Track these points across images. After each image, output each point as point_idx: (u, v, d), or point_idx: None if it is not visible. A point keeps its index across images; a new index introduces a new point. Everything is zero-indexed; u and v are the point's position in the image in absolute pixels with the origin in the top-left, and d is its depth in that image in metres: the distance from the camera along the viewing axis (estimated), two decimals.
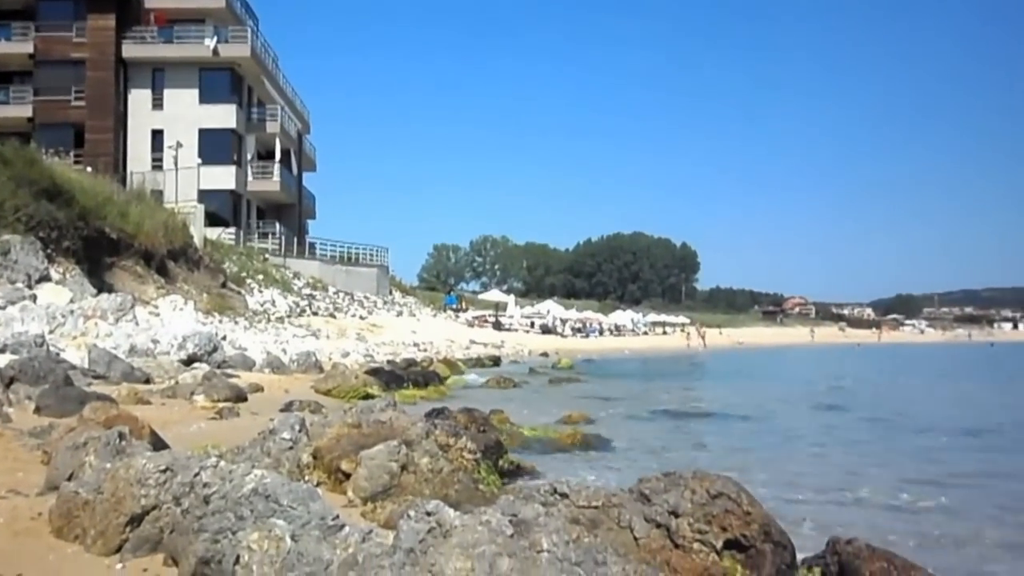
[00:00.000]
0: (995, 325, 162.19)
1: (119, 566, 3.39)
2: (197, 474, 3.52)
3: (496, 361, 28.10)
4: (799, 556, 3.78)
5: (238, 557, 2.81)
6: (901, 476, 8.23)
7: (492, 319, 54.76)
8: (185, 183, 34.43)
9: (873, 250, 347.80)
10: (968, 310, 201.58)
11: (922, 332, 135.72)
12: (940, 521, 6.39)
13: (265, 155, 43.94)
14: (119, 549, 3.48)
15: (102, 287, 18.25)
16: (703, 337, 60.43)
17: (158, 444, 5.04)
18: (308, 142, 52.15)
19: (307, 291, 37.04)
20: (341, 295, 39.81)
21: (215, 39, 39.71)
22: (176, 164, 35.54)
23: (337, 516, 3.12)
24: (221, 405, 9.24)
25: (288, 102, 47.57)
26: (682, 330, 66.17)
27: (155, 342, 14.19)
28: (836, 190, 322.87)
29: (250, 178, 42.37)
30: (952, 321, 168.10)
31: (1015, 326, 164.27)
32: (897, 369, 36.30)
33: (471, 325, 49.62)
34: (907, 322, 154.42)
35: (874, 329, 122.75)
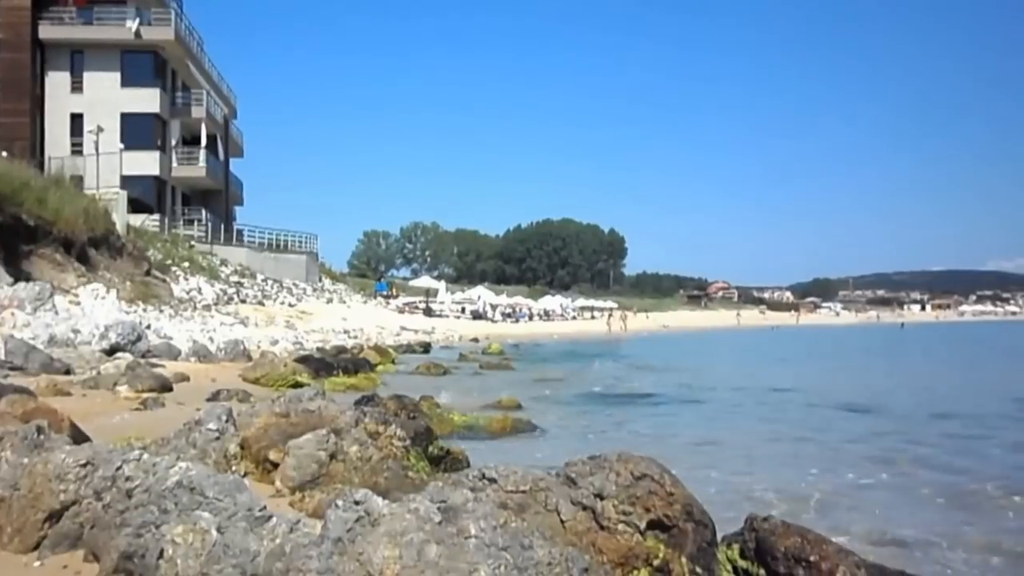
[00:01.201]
0: (904, 307, 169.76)
1: (37, 564, 3.31)
2: (119, 467, 3.45)
3: (426, 347, 28.04)
4: (720, 534, 3.91)
5: (162, 551, 2.78)
6: (821, 453, 8.55)
7: (422, 305, 54.55)
8: (107, 169, 33.25)
9: (792, 235, 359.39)
10: (880, 293, 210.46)
11: (837, 314, 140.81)
12: (852, 494, 6.68)
13: (190, 140, 42.76)
14: (37, 546, 3.39)
15: (19, 276, 17.56)
16: (624, 321, 61.20)
17: (79, 437, 4.91)
18: (235, 127, 50.92)
19: (235, 278, 36.28)
20: (270, 282, 39.13)
21: (137, 21, 38.37)
22: (97, 149, 34.30)
23: (264, 507, 3.11)
24: (145, 396, 9.03)
25: (214, 86, 46.32)
26: (609, 315, 66.94)
27: (76, 332, 13.75)
28: (757, 178, 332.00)
29: (175, 164, 41.19)
30: (865, 303, 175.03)
31: (923, 307, 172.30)
32: (809, 351, 37.54)
33: (401, 311, 49.36)
34: (824, 305, 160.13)
35: (793, 312, 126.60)
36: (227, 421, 5.17)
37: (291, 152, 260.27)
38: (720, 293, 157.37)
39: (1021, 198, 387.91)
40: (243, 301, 31.94)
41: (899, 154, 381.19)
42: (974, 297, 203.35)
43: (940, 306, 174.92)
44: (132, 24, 38.21)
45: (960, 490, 7.05)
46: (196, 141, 42.53)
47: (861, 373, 22.95)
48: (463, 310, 57.87)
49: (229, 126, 48.65)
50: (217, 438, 5.03)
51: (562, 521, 3.52)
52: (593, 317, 74.29)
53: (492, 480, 3.69)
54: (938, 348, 40.38)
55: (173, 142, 41.23)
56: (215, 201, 45.39)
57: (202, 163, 42.05)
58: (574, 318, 71.99)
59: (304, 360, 14.74)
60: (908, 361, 29.55)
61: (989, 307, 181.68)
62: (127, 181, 33.54)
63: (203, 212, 42.43)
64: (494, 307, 61.55)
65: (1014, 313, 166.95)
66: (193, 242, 37.93)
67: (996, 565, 4.96)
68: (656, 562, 3.47)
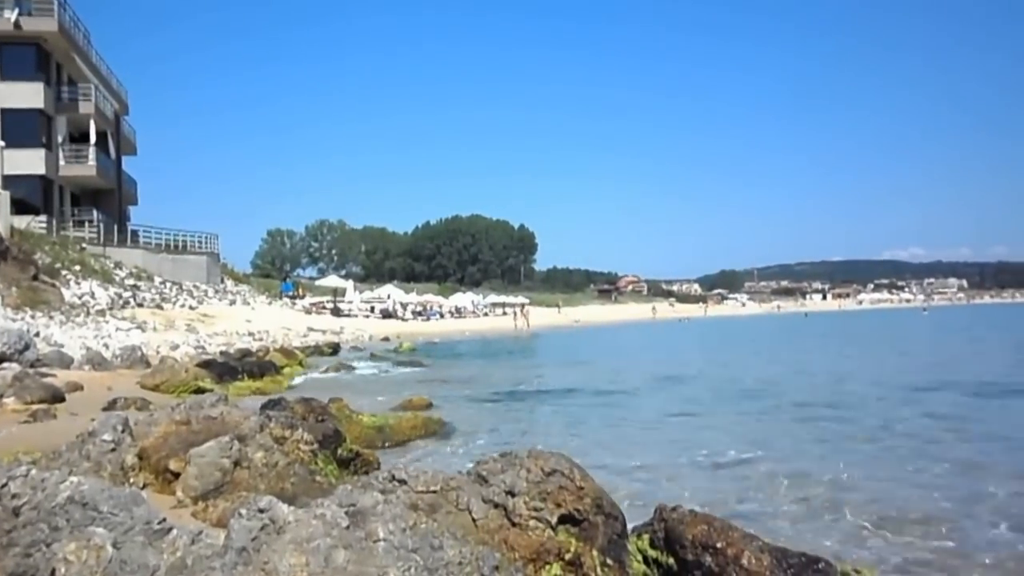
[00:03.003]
0: (807, 296, 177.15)
1: None
2: (4, 485, 3.26)
3: (335, 348, 27.61)
4: (631, 525, 3.97)
5: (54, 571, 2.64)
6: (731, 444, 8.79)
7: (330, 305, 53.67)
8: None
9: (699, 229, 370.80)
10: (784, 283, 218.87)
11: (743, 305, 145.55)
12: (751, 480, 6.89)
13: (79, 137, 40.79)
14: None
15: None
16: (526, 317, 61.36)
17: None
18: (127, 124, 48.87)
19: (130, 281, 34.89)
20: (168, 285, 37.80)
21: (16, 11, 36.34)
22: None
23: (164, 519, 2.99)
24: (35, 407, 8.61)
25: (103, 81, 44.28)
26: (521, 310, 67.24)
27: None
28: (663, 171, 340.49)
29: (62, 162, 39.25)
30: (770, 294, 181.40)
31: (824, 297, 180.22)
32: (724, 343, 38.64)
33: (309, 312, 48.41)
34: (730, 296, 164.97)
35: (701, 304, 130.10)
36: (123, 431, 4.97)
37: (189, 149, 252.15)
38: (630, 287, 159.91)
39: (914, 190, 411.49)
40: (140, 305, 30.74)
41: (799, 149, 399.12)
42: (871, 286, 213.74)
43: (840, 295, 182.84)
44: (11, 14, 36.18)
45: (850, 457, 7.40)
46: (85, 138, 40.61)
47: (769, 361, 23.73)
48: (372, 309, 57.17)
49: (120, 122, 46.67)
50: (113, 449, 4.82)
51: (474, 520, 3.51)
52: (505, 313, 74.45)
53: (402, 481, 3.64)
54: (836, 336, 42.08)
55: (60, 139, 39.26)
56: (107, 201, 43.49)
57: (92, 161, 40.19)
58: (486, 314, 72.02)
59: (207, 365, 14.32)
60: (811, 348, 30.70)
61: (885, 295, 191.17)
62: (9, 181, 31.74)
63: (94, 213, 40.57)
64: (404, 305, 61.02)
65: (908, 300, 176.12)
66: (84, 244, 36.27)
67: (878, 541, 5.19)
68: (568, 556, 3.49)
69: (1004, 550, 4.98)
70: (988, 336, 36.41)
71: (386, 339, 35.50)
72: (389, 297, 62.07)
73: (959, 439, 9.02)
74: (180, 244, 43.56)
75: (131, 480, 4.65)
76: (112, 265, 35.82)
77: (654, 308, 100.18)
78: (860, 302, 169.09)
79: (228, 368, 14.40)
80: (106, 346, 17.27)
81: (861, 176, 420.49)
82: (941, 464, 7.53)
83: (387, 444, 8.34)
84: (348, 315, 50.76)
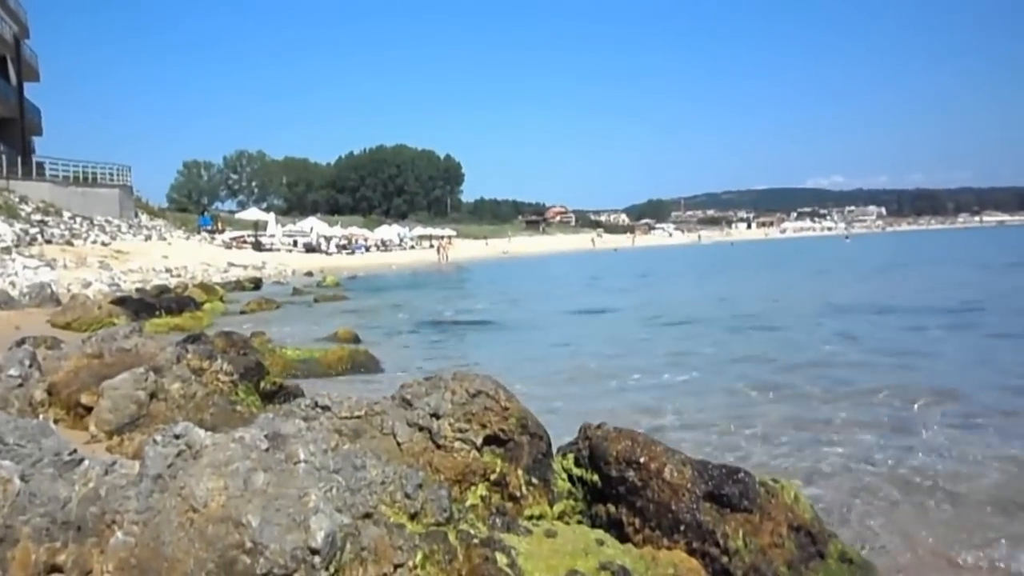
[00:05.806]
0: (732, 225, 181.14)
1: None
2: None
3: (257, 283, 27.08)
4: (557, 444, 4.01)
5: None
6: (643, 363, 9.00)
7: (251, 239, 52.44)
8: None
9: (626, 158, 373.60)
10: (710, 212, 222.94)
11: (670, 235, 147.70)
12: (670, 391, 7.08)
13: None
14: None
15: None
16: (444, 251, 60.78)
17: None
18: (28, 48, 46.03)
19: (37, 217, 33.39)
20: (78, 220, 36.32)
21: None
22: None
23: (75, 451, 2.88)
24: None
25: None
26: (445, 242, 66.77)
27: None
28: (590, 100, 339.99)
29: None
30: (696, 223, 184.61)
31: (749, 226, 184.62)
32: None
33: (229, 247, 47.23)
34: (658, 226, 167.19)
35: (629, 234, 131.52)
36: (31, 365, 4.78)
37: (97, 76, 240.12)
38: (558, 217, 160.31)
39: (835, 119, 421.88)
40: (48, 241, 29.49)
41: (726, 78, 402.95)
42: (795, 214, 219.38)
43: (765, 224, 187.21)
44: None
45: (767, 383, 7.67)
46: None
47: (692, 291, 24.25)
48: (295, 243, 56.09)
49: (21, 46, 43.94)
50: (20, 384, 4.64)
51: (398, 444, 3.49)
52: (431, 246, 73.99)
53: (325, 408, 3.59)
54: (762, 264, 43.13)
55: None
56: (9, 131, 41.22)
57: None
58: (412, 247, 71.44)
59: (121, 301, 13.87)
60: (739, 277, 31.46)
61: (808, 223, 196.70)
62: None
63: None
64: (328, 239, 60.01)
65: (830, 228, 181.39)
66: None
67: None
68: (493, 476, 3.51)
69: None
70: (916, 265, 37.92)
71: (310, 274, 34.97)
72: (312, 230, 60.95)
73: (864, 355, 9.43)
74: (90, 176, 41.77)
75: (40, 416, 4.48)
76: (16, 200, 34.17)
77: (593, 240, 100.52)
78: (783, 231, 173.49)
79: (145, 305, 13.98)
80: (12, 284, 16.57)
81: (785, 105, 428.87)
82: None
83: (312, 377, 8.24)
84: (270, 249, 49.76)
